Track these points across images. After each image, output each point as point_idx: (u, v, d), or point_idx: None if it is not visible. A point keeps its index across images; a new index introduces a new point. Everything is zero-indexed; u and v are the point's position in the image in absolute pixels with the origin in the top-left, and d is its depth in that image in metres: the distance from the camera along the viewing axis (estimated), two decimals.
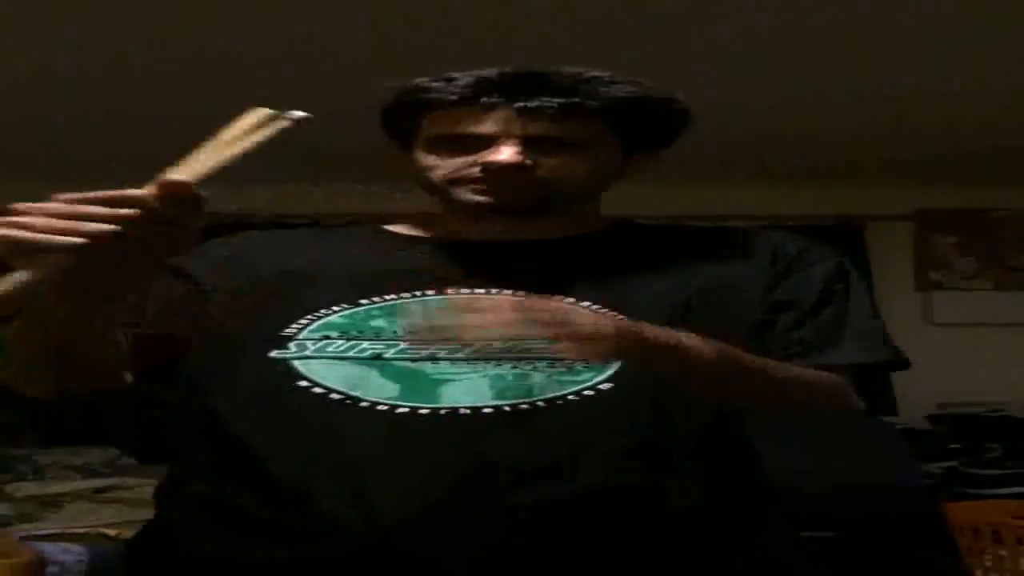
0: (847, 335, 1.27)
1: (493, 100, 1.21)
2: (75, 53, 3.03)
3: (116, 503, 3.32)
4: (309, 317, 1.19)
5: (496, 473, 1.06)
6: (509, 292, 1.18)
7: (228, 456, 1.13)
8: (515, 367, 1.13)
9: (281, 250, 1.31)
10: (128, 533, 1.51)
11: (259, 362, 1.16)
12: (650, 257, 1.29)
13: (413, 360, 1.14)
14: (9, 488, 3.40)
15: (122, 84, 3.31)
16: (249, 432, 1.12)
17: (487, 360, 1.13)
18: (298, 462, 1.08)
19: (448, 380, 1.12)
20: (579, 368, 1.12)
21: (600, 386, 1.13)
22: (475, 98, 1.22)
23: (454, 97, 1.22)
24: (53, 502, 3.27)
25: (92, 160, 4.26)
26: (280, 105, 1.10)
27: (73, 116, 3.61)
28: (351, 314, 1.19)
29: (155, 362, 1.26)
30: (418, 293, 1.20)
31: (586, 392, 1.12)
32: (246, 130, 1.03)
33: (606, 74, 1.24)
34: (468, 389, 1.11)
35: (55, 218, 0.92)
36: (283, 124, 1.04)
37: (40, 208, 0.93)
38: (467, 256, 1.27)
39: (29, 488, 3.42)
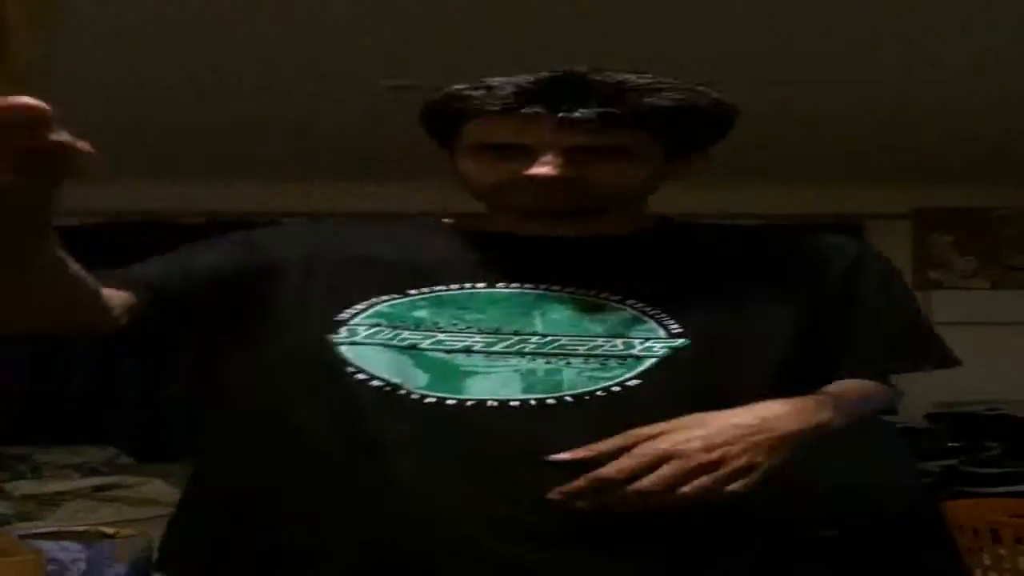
0: (910, 341, 1.31)
1: (534, 111, 1.20)
2: None
3: (116, 502, 3.32)
4: (362, 304, 1.21)
5: (517, 465, 1.07)
6: (558, 288, 1.21)
7: (275, 435, 1.15)
8: (548, 362, 1.15)
9: (345, 236, 1.33)
10: (127, 531, 1.51)
11: (312, 345, 1.18)
12: (700, 256, 1.30)
13: (448, 352, 1.16)
14: (8, 487, 3.40)
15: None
16: (296, 413, 1.14)
17: (521, 355, 1.15)
18: (337, 446, 1.11)
19: (478, 373, 1.14)
20: (612, 365, 1.14)
21: (629, 383, 1.14)
22: (516, 108, 1.21)
23: (496, 107, 1.22)
24: (52, 501, 3.28)
25: None
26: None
27: None
28: (398, 303, 1.21)
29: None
30: (467, 285, 1.22)
31: (614, 388, 1.13)
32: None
33: (650, 80, 1.23)
34: (498, 382, 1.13)
35: None
36: None
37: None
38: (518, 250, 1.28)
39: (28, 487, 3.42)
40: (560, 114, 1.19)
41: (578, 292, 1.21)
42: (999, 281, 4.59)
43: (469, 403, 1.11)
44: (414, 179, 4.49)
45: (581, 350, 1.15)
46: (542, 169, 1.21)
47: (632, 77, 1.22)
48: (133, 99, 3.53)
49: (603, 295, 1.21)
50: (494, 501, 1.06)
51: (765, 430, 1.11)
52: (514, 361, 1.14)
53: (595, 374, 1.14)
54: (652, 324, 1.19)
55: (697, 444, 1.08)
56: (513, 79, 1.22)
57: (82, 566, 1.42)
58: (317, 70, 3.26)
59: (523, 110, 1.20)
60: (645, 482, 1.05)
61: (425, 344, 1.17)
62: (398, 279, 1.24)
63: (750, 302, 1.23)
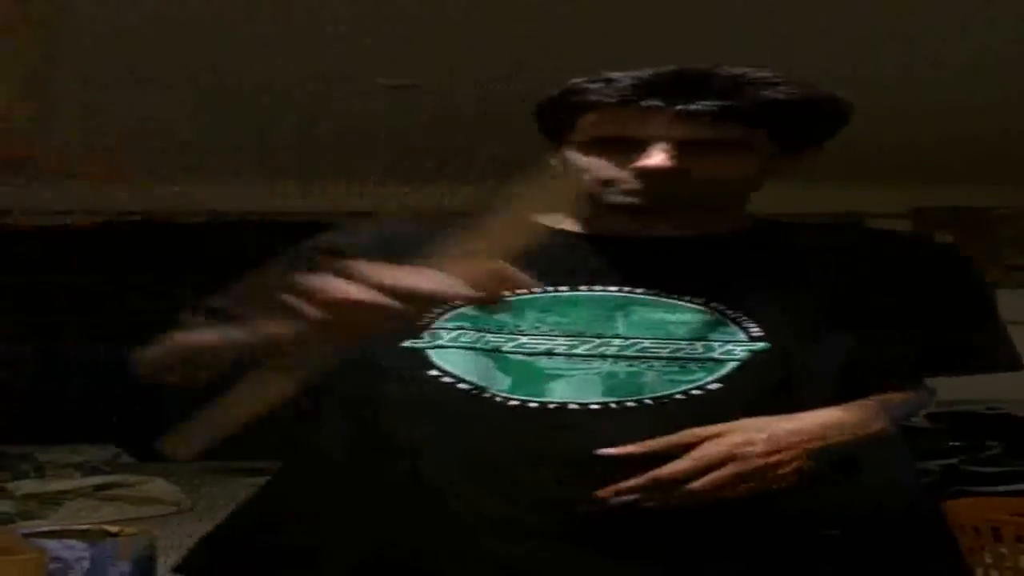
0: (986, 344, 1.29)
1: (652, 103, 1.18)
2: None
3: (117, 500, 3.33)
4: (445, 305, 1.21)
5: (597, 468, 1.08)
6: (642, 290, 1.20)
7: (367, 438, 1.17)
8: (630, 365, 1.15)
9: (427, 236, 1.31)
10: (130, 530, 1.51)
11: (394, 350, 1.19)
12: (789, 258, 1.28)
13: (530, 355, 1.17)
14: (10, 486, 3.41)
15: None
16: (383, 417, 1.16)
17: (603, 358, 1.15)
18: (424, 448, 1.12)
19: (559, 376, 1.14)
20: (692, 368, 1.14)
21: (709, 386, 1.14)
22: (635, 100, 1.19)
23: (613, 99, 1.19)
24: (54, 500, 3.28)
25: None
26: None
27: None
28: (481, 305, 1.23)
29: None
30: (549, 289, 1.22)
31: (694, 392, 1.13)
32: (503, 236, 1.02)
33: (769, 74, 1.21)
34: (579, 385, 1.13)
35: (384, 288, 0.95)
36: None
37: (376, 275, 0.96)
38: (604, 252, 1.27)
39: (30, 486, 3.43)
40: (678, 107, 1.17)
41: (662, 294, 1.21)
42: (999, 281, 4.59)
43: (551, 406, 1.12)
44: (413, 178, 4.51)
45: (662, 353, 1.15)
46: (653, 160, 1.18)
47: (750, 71, 1.20)
48: (133, 98, 3.54)
49: (686, 297, 1.21)
50: (572, 503, 1.08)
51: (823, 438, 1.11)
52: (596, 364, 1.14)
53: (675, 377, 1.14)
54: (733, 327, 1.19)
55: (758, 448, 1.08)
56: (632, 72, 1.20)
57: (86, 564, 1.42)
58: (317, 70, 3.26)
59: (642, 103, 1.18)
60: (700, 483, 1.06)
61: (507, 347, 1.18)
62: None
63: (831, 305, 1.22)
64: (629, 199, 1.22)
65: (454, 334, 1.19)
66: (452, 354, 1.17)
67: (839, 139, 1.31)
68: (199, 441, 1.08)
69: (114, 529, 1.52)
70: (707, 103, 1.18)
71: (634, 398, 1.13)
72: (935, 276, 1.29)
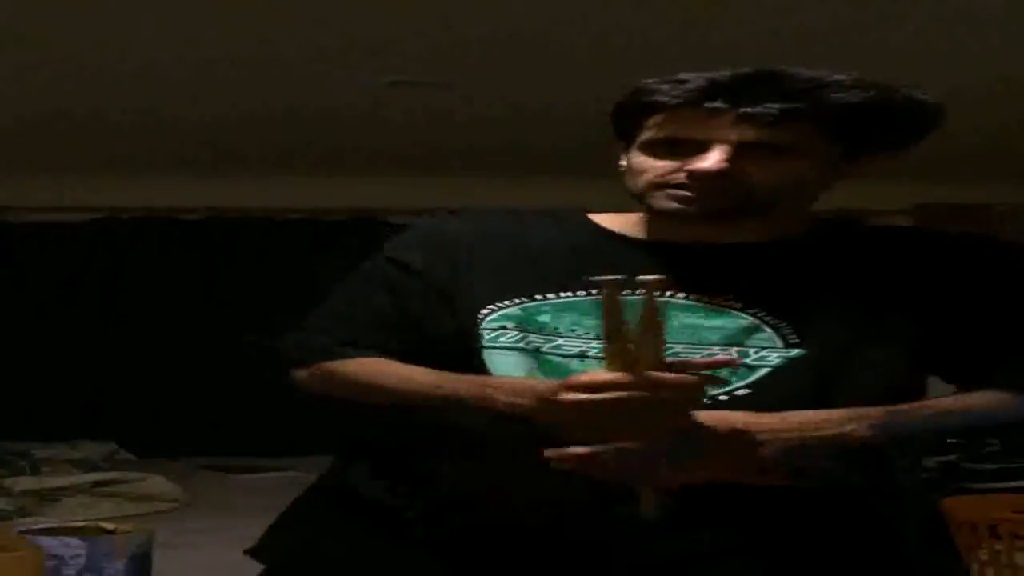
0: None
1: (716, 105, 1.17)
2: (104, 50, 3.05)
3: (115, 497, 3.33)
4: (491, 307, 1.23)
5: (554, 478, 1.10)
6: (683, 295, 1.21)
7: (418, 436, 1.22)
8: None
9: (480, 236, 1.32)
10: (126, 527, 1.51)
11: (445, 349, 1.23)
12: (836, 263, 1.25)
13: (564, 356, 1.19)
14: (7, 483, 3.41)
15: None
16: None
17: None
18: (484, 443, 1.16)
19: None
20: (724, 374, 1.14)
21: (737, 392, 1.14)
22: (698, 102, 1.18)
23: (678, 100, 1.19)
24: (51, 496, 3.28)
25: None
26: None
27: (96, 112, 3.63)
28: (525, 307, 1.22)
29: None
30: (594, 292, 1.20)
31: (721, 398, 1.13)
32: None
33: (845, 77, 1.20)
34: None
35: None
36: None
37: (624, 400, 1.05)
38: (648, 257, 1.25)
39: (27, 483, 3.43)
40: (741, 109, 1.16)
41: (703, 299, 1.20)
42: None
43: None
44: (412, 176, 4.51)
45: (694, 358, 1.14)
46: (704, 163, 1.17)
47: (825, 74, 1.19)
48: (133, 97, 3.54)
49: (727, 302, 1.20)
50: (599, 504, 1.11)
51: (745, 442, 1.11)
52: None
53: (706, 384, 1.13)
54: (770, 333, 1.18)
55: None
56: (704, 73, 1.19)
57: (81, 561, 1.42)
58: (317, 69, 3.26)
59: (705, 104, 1.17)
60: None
61: (546, 348, 1.19)
62: (528, 282, 1.24)
63: (875, 310, 1.20)
64: (677, 205, 1.21)
65: (495, 333, 1.21)
66: (495, 354, 1.20)
67: None
68: None
69: (111, 526, 1.52)
70: (771, 105, 1.16)
71: None
72: (987, 283, 1.23)
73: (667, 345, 1.13)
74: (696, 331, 1.19)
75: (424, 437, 1.23)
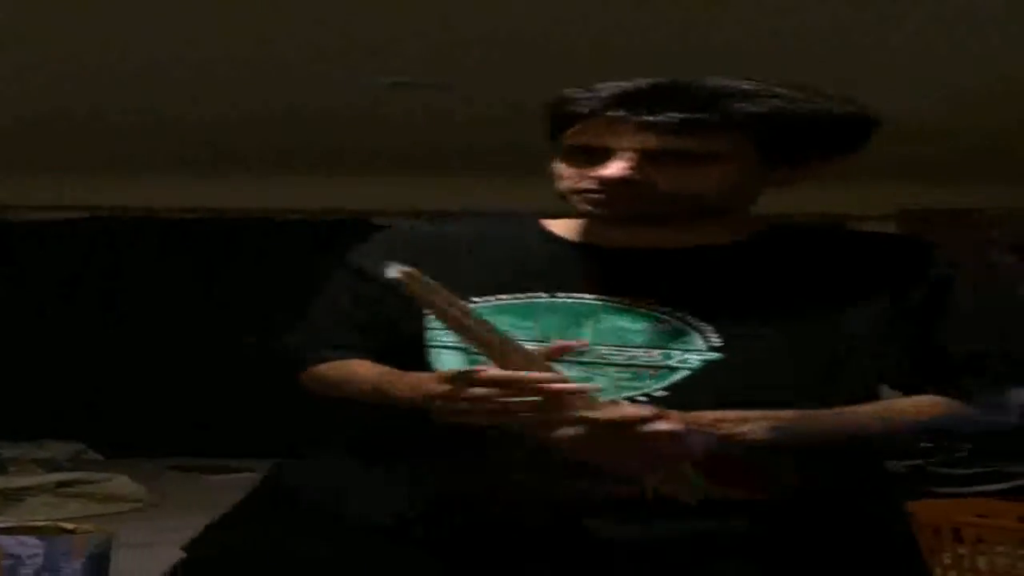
0: (984, 364, 1.24)
1: (617, 114, 1.21)
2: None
3: (80, 497, 3.30)
4: None
5: (547, 470, 1.15)
6: (617, 299, 1.23)
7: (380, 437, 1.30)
8: (585, 371, 1.18)
9: (436, 240, 1.37)
10: (86, 527, 1.50)
11: (403, 348, 1.27)
12: (773, 267, 1.28)
13: None
14: None
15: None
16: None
17: (560, 363, 1.18)
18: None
19: None
20: (644, 375, 1.18)
21: (655, 393, 1.17)
22: (604, 110, 1.21)
23: (585, 109, 1.23)
24: (16, 496, 3.25)
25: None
26: None
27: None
28: (484, 308, 1.24)
29: None
30: (531, 295, 1.26)
31: (639, 398, 1.16)
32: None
33: (757, 86, 1.22)
34: None
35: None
36: None
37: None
38: (586, 261, 1.30)
39: None
40: (639, 118, 1.19)
41: (630, 303, 1.23)
42: None
43: None
44: (412, 176, 4.50)
45: (618, 360, 1.19)
46: (608, 170, 1.21)
47: (735, 83, 1.21)
48: (133, 97, 3.52)
49: (653, 305, 1.23)
50: (527, 498, 1.17)
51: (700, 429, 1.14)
52: (556, 368, 1.16)
53: (626, 384, 1.17)
54: (694, 336, 1.20)
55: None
56: (617, 84, 1.22)
57: (39, 560, 1.42)
58: (317, 69, 3.24)
59: (608, 113, 1.21)
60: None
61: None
62: (472, 285, 1.26)
63: (806, 314, 1.22)
64: (592, 208, 1.25)
65: (439, 332, 1.24)
66: (446, 354, 1.24)
67: None
68: None
69: (70, 526, 1.51)
70: (670, 115, 1.19)
71: None
72: (920, 286, 1.25)
73: (595, 347, 1.19)
74: (623, 333, 1.21)
75: (401, 434, 1.29)
